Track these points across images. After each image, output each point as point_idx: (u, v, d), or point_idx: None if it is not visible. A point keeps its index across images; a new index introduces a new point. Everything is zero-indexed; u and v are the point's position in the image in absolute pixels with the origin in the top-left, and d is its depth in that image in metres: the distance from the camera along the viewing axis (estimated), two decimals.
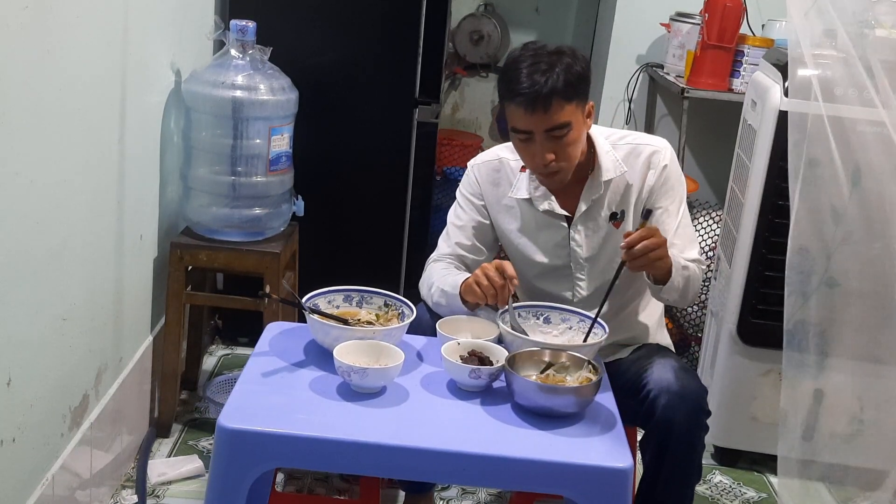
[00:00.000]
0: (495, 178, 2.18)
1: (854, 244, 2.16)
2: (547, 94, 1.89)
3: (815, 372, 2.20)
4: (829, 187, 2.16)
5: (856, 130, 2.15)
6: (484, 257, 2.22)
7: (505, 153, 2.19)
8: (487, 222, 2.20)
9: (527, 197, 2.13)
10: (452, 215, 2.23)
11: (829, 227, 2.17)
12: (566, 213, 2.12)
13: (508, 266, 1.97)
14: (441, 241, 2.23)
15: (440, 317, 2.01)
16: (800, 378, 2.18)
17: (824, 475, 2.53)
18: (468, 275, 2.05)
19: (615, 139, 2.14)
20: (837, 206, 2.17)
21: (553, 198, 2.11)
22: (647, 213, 1.98)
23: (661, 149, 2.13)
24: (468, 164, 2.25)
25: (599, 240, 2.13)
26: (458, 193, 2.24)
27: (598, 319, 1.99)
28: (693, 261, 2.09)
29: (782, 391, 2.20)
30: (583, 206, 2.10)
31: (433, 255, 2.22)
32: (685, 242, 2.11)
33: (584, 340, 1.94)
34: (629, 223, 2.12)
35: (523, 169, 2.14)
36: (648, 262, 1.91)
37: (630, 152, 2.12)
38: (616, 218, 2.11)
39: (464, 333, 1.93)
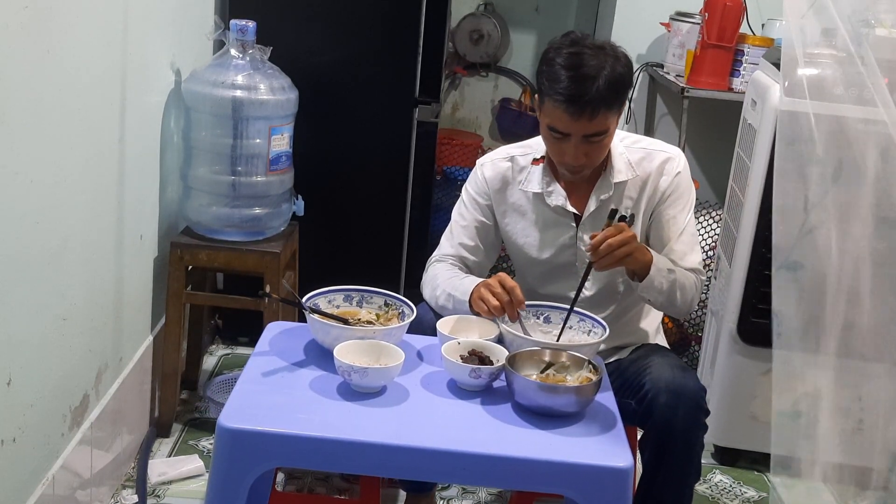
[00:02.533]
0: (504, 176, 2.17)
1: (825, 236, 2.16)
2: (595, 103, 1.89)
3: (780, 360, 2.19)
4: (817, 186, 2.16)
5: (855, 129, 2.15)
6: (484, 258, 2.21)
7: (515, 151, 2.19)
8: (491, 223, 2.20)
9: (538, 191, 2.12)
10: (457, 213, 2.23)
11: (799, 217, 2.17)
12: (575, 212, 2.12)
13: (508, 280, 1.97)
14: (444, 239, 2.23)
15: (440, 316, 2.01)
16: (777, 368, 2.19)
17: (824, 474, 2.53)
18: (476, 280, 2.05)
19: (629, 142, 2.14)
20: (812, 199, 2.17)
21: (565, 194, 2.11)
22: (612, 213, 1.98)
23: (674, 156, 2.13)
24: (477, 161, 2.23)
25: None
26: (463, 191, 2.23)
27: (598, 319, 1.99)
28: (691, 269, 2.08)
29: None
30: (592, 206, 2.10)
31: (435, 255, 2.22)
32: (686, 250, 2.10)
33: (558, 339, 1.95)
34: (638, 227, 2.12)
35: (535, 162, 2.13)
36: (614, 259, 1.91)
37: (644, 157, 2.12)
38: (625, 221, 2.10)
39: (464, 333, 1.93)
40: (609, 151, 2.09)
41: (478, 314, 2.00)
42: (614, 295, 2.16)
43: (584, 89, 1.88)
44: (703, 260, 2.19)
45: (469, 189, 2.21)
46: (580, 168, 2.02)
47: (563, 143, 1.97)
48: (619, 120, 2.01)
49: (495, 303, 1.94)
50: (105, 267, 2.24)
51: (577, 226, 2.13)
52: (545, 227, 2.15)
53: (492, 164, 2.19)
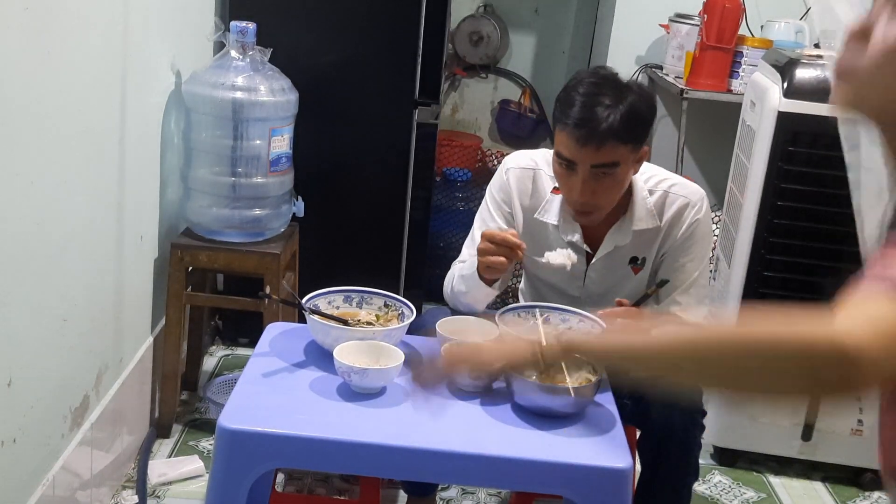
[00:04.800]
0: (529, 187, 2.11)
1: None
2: (603, 131, 1.82)
3: None
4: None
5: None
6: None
7: (542, 164, 2.11)
8: (513, 228, 2.13)
9: (555, 223, 2.08)
10: (479, 219, 2.16)
11: None
12: (588, 249, 2.08)
13: (496, 235, 1.90)
14: (465, 246, 2.17)
15: (440, 317, 2.01)
16: None
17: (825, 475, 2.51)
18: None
19: (653, 184, 2.05)
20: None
21: (580, 231, 2.06)
22: (661, 283, 1.92)
23: (695, 202, 2.04)
24: (504, 161, 2.17)
25: (615, 280, 2.09)
26: (488, 193, 2.16)
27: (598, 320, 1.98)
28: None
29: None
30: (606, 249, 2.06)
31: (457, 260, 2.18)
32: (691, 303, 2.04)
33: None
34: (648, 269, 2.09)
35: (555, 191, 2.07)
36: None
37: (663, 200, 2.04)
38: (636, 263, 2.07)
39: (464, 334, 1.93)
40: (632, 195, 2.01)
41: (495, 280, 1.99)
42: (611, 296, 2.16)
43: (595, 115, 1.82)
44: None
45: (494, 193, 2.14)
46: (589, 208, 1.95)
47: (571, 176, 1.91)
48: (634, 162, 1.92)
49: (500, 259, 1.88)
50: (105, 268, 2.24)
51: (588, 263, 2.09)
52: None
53: (519, 170, 2.11)
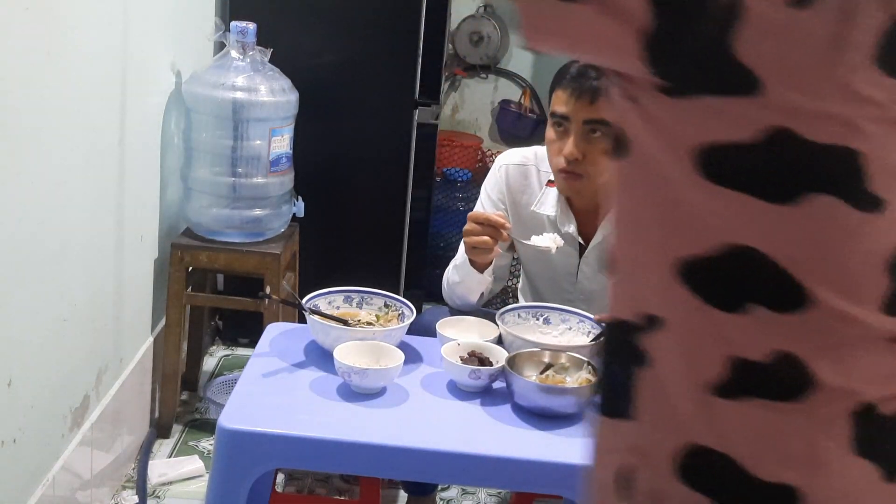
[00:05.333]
0: (523, 183, 2.13)
1: None
2: (599, 86, 1.87)
3: None
4: None
5: None
6: (500, 257, 2.18)
7: (536, 160, 2.13)
8: (508, 224, 2.16)
9: (551, 214, 2.09)
10: None
11: None
12: (581, 242, 2.09)
13: (479, 216, 1.95)
14: (461, 246, 2.16)
15: (440, 318, 2.02)
16: None
17: None
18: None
19: None
20: None
21: (575, 223, 2.08)
22: None
23: None
24: (497, 159, 2.19)
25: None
26: (482, 190, 2.19)
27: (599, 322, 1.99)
28: None
29: None
30: (597, 238, 2.07)
31: (453, 260, 2.19)
32: None
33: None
34: None
35: (550, 184, 2.10)
36: None
37: None
38: None
39: (464, 334, 1.93)
40: None
41: (486, 265, 2.01)
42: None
43: (591, 73, 1.89)
44: None
45: (488, 190, 2.17)
46: (577, 169, 1.95)
47: (562, 136, 1.94)
48: None
49: (484, 239, 1.92)
50: (105, 268, 2.24)
51: (581, 256, 2.11)
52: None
53: (513, 167, 2.15)
